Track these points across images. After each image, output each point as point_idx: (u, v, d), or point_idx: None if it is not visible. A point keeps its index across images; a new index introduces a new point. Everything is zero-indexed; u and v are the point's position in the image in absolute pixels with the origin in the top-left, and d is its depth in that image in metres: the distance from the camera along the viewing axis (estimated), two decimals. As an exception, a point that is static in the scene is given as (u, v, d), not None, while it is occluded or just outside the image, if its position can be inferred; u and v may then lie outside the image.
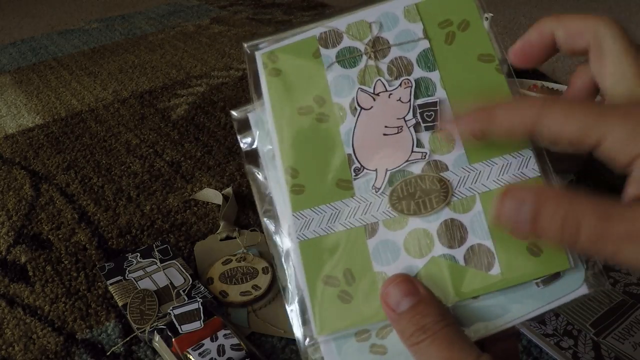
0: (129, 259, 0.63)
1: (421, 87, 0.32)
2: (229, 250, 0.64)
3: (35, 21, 1.67)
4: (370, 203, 0.31)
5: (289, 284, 0.32)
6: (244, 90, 1.07)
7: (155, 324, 0.54)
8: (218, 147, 0.88)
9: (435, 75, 0.32)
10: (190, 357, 0.50)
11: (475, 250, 0.29)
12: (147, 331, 0.53)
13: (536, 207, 0.23)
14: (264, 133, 0.35)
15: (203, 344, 0.51)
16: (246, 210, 0.72)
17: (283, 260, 0.32)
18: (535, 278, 0.28)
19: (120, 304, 0.58)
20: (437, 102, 0.31)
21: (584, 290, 0.28)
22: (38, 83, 1.19)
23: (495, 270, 0.29)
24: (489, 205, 0.29)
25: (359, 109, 0.32)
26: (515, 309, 0.29)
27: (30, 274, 0.65)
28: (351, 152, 0.32)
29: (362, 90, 0.33)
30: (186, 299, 0.56)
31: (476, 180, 0.30)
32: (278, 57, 0.34)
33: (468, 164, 0.30)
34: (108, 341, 0.56)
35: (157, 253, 0.64)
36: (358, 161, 0.32)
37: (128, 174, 0.83)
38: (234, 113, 0.36)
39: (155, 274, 0.60)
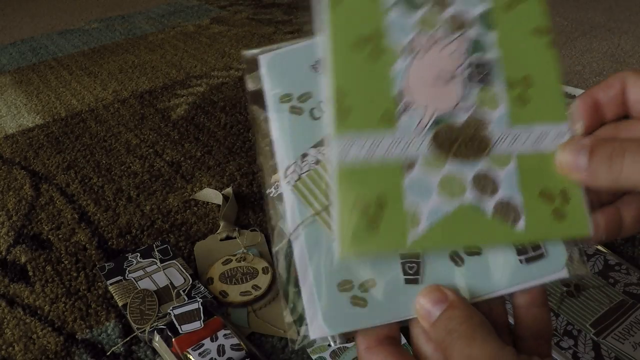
0: (129, 259, 0.63)
1: (477, 44, 0.33)
2: (229, 250, 0.64)
3: (35, 21, 1.67)
4: (412, 140, 0.32)
5: (280, 223, 0.33)
6: (244, 90, 1.07)
7: (155, 324, 0.54)
8: (218, 147, 0.88)
9: (492, 36, 0.33)
10: (190, 357, 0.50)
11: (504, 204, 0.31)
12: (147, 331, 0.53)
13: (591, 148, 0.28)
14: (275, 76, 0.35)
15: (203, 344, 0.51)
16: (246, 210, 0.72)
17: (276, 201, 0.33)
18: (556, 239, 0.31)
19: (120, 304, 0.58)
20: (490, 61, 0.33)
21: (564, 273, 0.30)
22: (38, 83, 1.19)
23: (520, 225, 0.30)
24: (524, 165, 0.31)
25: (415, 52, 0.33)
26: (497, 281, 0.30)
27: (30, 274, 0.65)
28: (402, 89, 0.33)
29: (421, 34, 0.33)
30: (186, 299, 0.56)
31: (514, 142, 0.32)
32: None
33: (509, 125, 0.32)
34: (108, 341, 0.56)
35: (157, 253, 0.64)
36: (408, 98, 0.33)
37: (128, 174, 0.83)
38: (246, 52, 0.36)
39: (155, 274, 0.60)
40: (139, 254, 0.64)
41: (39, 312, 0.60)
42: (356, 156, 0.32)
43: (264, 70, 0.36)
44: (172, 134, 0.93)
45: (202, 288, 0.58)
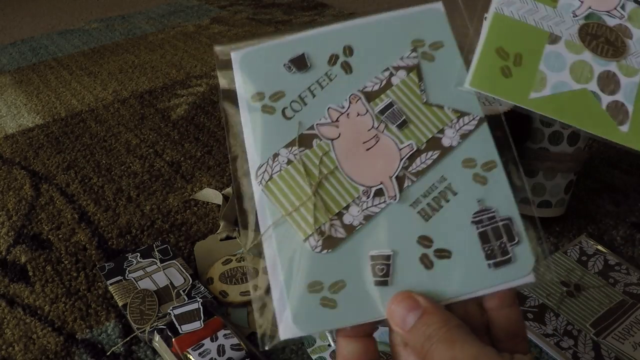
0: (129, 259, 0.63)
1: None
2: (229, 250, 0.64)
3: (35, 21, 1.67)
4: (564, 21, 0.36)
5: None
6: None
7: (155, 324, 0.54)
8: (218, 147, 0.88)
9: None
10: (190, 357, 0.50)
11: (618, 105, 0.35)
12: (147, 331, 0.53)
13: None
14: (247, 74, 0.35)
15: (203, 344, 0.51)
16: (246, 210, 0.72)
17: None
18: None
19: (120, 304, 0.58)
20: None
21: (530, 278, 0.30)
22: (38, 83, 1.19)
23: (624, 128, 0.35)
24: None
25: None
26: (465, 285, 0.31)
27: (30, 274, 0.65)
28: None
29: None
30: (186, 299, 0.56)
31: None
32: None
33: None
34: (108, 341, 0.56)
35: (157, 253, 0.64)
36: None
37: (128, 174, 0.83)
38: (217, 47, 0.36)
39: (155, 274, 0.60)
40: (139, 254, 0.64)
41: (39, 312, 0.60)
42: (512, 12, 0.36)
43: (236, 67, 0.36)
44: (172, 134, 0.93)
45: (202, 288, 0.58)
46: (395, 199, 0.32)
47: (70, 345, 0.56)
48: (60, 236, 0.71)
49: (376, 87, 0.35)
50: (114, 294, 0.59)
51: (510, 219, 0.32)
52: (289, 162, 0.34)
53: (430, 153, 0.33)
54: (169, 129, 0.95)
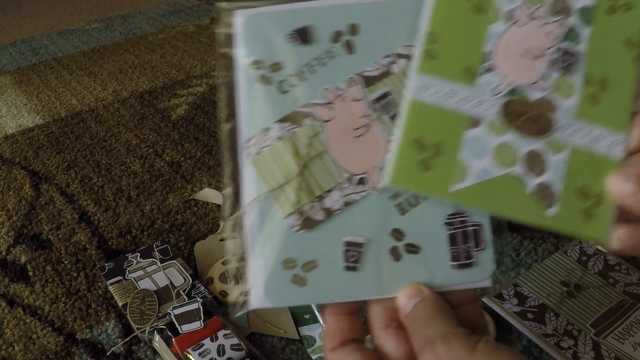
0: (129, 259, 0.63)
1: (570, 34, 0.34)
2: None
3: (35, 21, 1.67)
4: (485, 101, 0.33)
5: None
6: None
7: (155, 324, 0.54)
8: (218, 147, 0.88)
9: (586, 31, 0.35)
10: (190, 357, 0.50)
11: (545, 187, 0.33)
12: (147, 331, 0.53)
13: (636, 178, 0.30)
14: (249, 39, 0.34)
15: (203, 344, 0.51)
16: (246, 210, 0.73)
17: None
18: (575, 235, 0.33)
19: (120, 304, 0.58)
20: (577, 52, 0.34)
21: (487, 283, 0.32)
22: (38, 83, 1.19)
23: (552, 211, 0.32)
24: (574, 158, 0.33)
25: (513, 20, 0.34)
26: (427, 281, 0.32)
27: (30, 274, 0.65)
28: (490, 51, 0.34)
29: (524, 6, 0.35)
30: (186, 299, 0.56)
31: (574, 134, 0.33)
32: None
33: (574, 117, 0.34)
34: (108, 341, 0.56)
35: (157, 253, 0.64)
36: (492, 62, 0.34)
37: (128, 174, 0.83)
38: (222, 4, 0.35)
39: (155, 274, 0.60)
40: (139, 254, 0.64)
41: (39, 312, 0.60)
42: (430, 98, 0.33)
43: (238, 29, 0.35)
44: (172, 134, 0.93)
45: (202, 288, 0.58)
46: (376, 190, 0.33)
47: (70, 345, 0.56)
48: (60, 236, 0.71)
49: (375, 73, 0.34)
50: (114, 294, 0.59)
51: (480, 225, 0.33)
52: (280, 137, 0.34)
53: None
54: (169, 129, 0.95)
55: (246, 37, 0.35)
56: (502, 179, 0.33)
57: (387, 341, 0.32)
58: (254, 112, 0.34)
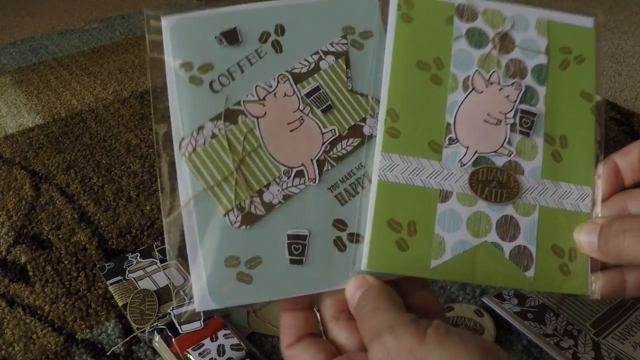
0: (129, 259, 0.63)
1: (527, 95, 0.35)
2: (229, 250, 0.64)
3: (35, 21, 1.67)
4: (452, 173, 0.34)
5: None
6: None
7: (155, 324, 0.54)
8: (218, 147, 0.88)
9: (542, 90, 0.35)
10: (190, 357, 0.50)
11: (521, 250, 0.33)
12: (147, 331, 0.53)
13: (600, 229, 0.32)
14: (177, 42, 0.35)
15: (203, 344, 0.51)
16: (246, 210, 0.73)
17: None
18: (557, 292, 0.33)
19: (120, 304, 0.58)
20: (536, 113, 0.35)
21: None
22: (38, 83, 1.19)
23: (530, 273, 0.33)
24: (544, 218, 0.33)
25: (470, 88, 0.35)
26: (371, 267, 0.33)
27: (30, 274, 0.65)
28: (452, 122, 0.34)
29: (479, 73, 0.35)
30: (186, 299, 0.56)
31: (541, 194, 0.34)
32: (414, 6, 0.36)
33: (540, 177, 0.34)
34: (108, 341, 0.56)
35: (157, 253, 0.64)
36: (455, 133, 0.34)
37: (128, 174, 0.83)
38: (148, 12, 0.35)
39: (155, 274, 0.60)
40: (139, 254, 0.64)
41: (39, 312, 0.60)
42: (397, 177, 0.33)
43: (166, 34, 0.35)
44: (172, 134, 0.93)
45: (202, 288, 0.58)
46: (314, 182, 0.33)
47: (70, 345, 0.56)
48: (60, 236, 0.71)
49: (304, 70, 0.35)
50: (114, 294, 0.59)
51: None
52: (214, 136, 0.34)
53: (351, 140, 0.34)
54: (169, 129, 0.95)
55: (174, 41, 0.35)
56: (479, 248, 0.33)
57: (339, 333, 0.32)
58: (186, 112, 0.34)
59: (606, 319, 0.53)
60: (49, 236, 0.71)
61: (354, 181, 0.34)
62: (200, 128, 0.34)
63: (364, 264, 0.32)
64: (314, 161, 0.34)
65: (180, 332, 0.52)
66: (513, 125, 0.34)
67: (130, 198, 0.77)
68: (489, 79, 0.35)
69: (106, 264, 0.63)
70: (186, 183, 0.33)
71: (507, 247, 0.33)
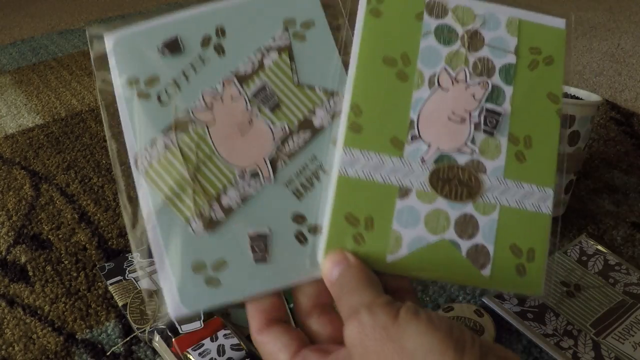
0: (129, 259, 0.63)
1: (493, 94, 0.35)
2: (229, 250, 0.64)
3: (35, 21, 1.67)
4: (413, 170, 0.34)
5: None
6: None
7: (155, 324, 0.54)
8: (218, 147, 0.88)
9: (509, 90, 0.35)
10: (190, 357, 0.50)
11: (478, 248, 0.33)
12: (147, 331, 0.53)
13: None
14: (122, 59, 0.35)
15: (203, 344, 0.51)
16: (246, 210, 0.73)
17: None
18: (511, 292, 0.34)
19: (120, 304, 0.58)
20: (501, 113, 0.35)
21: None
22: (38, 83, 1.19)
23: (486, 271, 0.33)
24: (504, 217, 0.33)
25: (436, 85, 0.35)
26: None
27: (30, 274, 0.65)
28: (415, 119, 0.34)
29: (447, 70, 0.35)
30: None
31: (503, 193, 0.34)
32: (384, 1, 0.35)
33: (502, 177, 0.34)
34: (108, 341, 0.56)
35: (157, 253, 0.64)
36: (418, 130, 0.34)
37: (128, 174, 0.83)
38: (90, 30, 0.36)
39: (155, 274, 0.60)
40: (139, 254, 0.64)
41: (39, 312, 0.60)
42: (357, 172, 0.33)
43: (109, 52, 0.36)
44: (172, 134, 0.93)
45: (202, 288, 0.58)
46: (270, 180, 0.34)
47: (70, 345, 0.56)
48: (60, 236, 0.71)
49: (249, 70, 0.35)
50: (114, 294, 0.59)
51: None
52: (167, 147, 0.34)
53: (302, 134, 0.34)
54: (169, 129, 0.95)
55: (118, 58, 0.35)
56: (436, 245, 0.33)
57: (311, 326, 0.33)
58: (137, 128, 0.35)
59: (606, 319, 0.53)
60: (49, 236, 0.71)
61: (309, 174, 0.34)
62: (153, 141, 0.34)
63: (321, 257, 0.33)
64: (267, 160, 0.34)
65: (180, 332, 0.52)
66: (477, 124, 0.34)
67: (130, 198, 0.77)
68: (456, 76, 0.35)
69: (106, 264, 0.63)
70: (146, 197, 0.35)
71: (465, 245, 0.33)
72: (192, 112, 0.34)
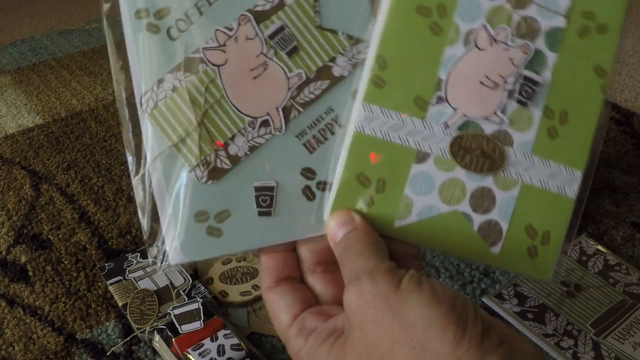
0: (129, 259, 0.63)
1: (535, 60, 0.31)
2: (229, 250, 0.64)
3: (35, 21, 1.67)
4: (434, 134, 0.31)
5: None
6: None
7: (155, 324, 0.54)
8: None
9: (552, 57, 0.31)
10: (190, 357, 0.50)
11: (492, 224, 0.31)
12: (147, 331, 0.53)
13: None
14: None
15: (203, 344, 0.51)
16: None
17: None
18: (520, 273, 0.32)
19: (120, 304, 0.58)
20: (540, 83, 0.31)
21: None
22: (38, 83, 1.19)
23: (496, 249, 0.31)
24: (524, 196, 0.31)
25: (472, 43, 0.31)
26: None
27: (30, 274, 0.65)
28: (444, 78, 0.31)
29: (486, 28, 0.31)
30: (186, 299, 0.56)
31: (527, 170, 0.31)
32: None
33: (530, 153, 0.31)
34: (108, 341, 0.56)
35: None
36: (445, 91, 0.31)
37: (128, 174, 0.83)
38: None
39: (155, 274, 0.60)
40: (139, 254, 0.64)
41: (39, 312, 0.60)
42: (374, 131, 0.31)
43: None
44: (172, 134, 0.93)
45: (202, 288, 0.58)
46: (281, 131, 0.32)
47: (70, 345, 0.56)
48: (60, 236, 0.71)
49: (268, 7, 0.32)
50: (114, 294, 0.59)
51: None
52: (174, 88, 0.32)
53: (319, 83, 0.32)
54: (169, 129, 0.95)
55: None
56: (447, 216, 0.31)
57: (314, 284, 0.32)
58: (145, 65, 0.32)
59: (606, 319, 0.53)
60: (49, 236, 0.71)
61: (323, 127, 0.32)
62: (161, 81, 0.32)
63: (327, 215, 0.31)
64: (280, 109, 0.32)
65: (180, 332, 0.52)
66: (511, 92, 0.31)
67: (131, 198, 0.77)
68: (496, 36, 0.31)
69: (106, 264, 0.63)
70: (151, 141, 0.32)
71: (478, 219, 0.31)
72: (204, 51, 0.32)
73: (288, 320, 0.31)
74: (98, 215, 0.74)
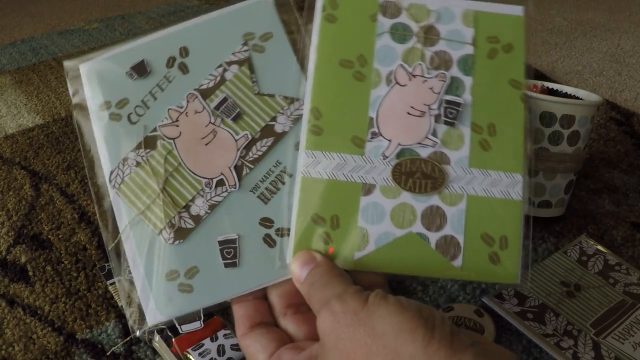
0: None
1: (452, 86, 0.35)
2: (229, 250, 0.64)
3: (35, 21, 1.67)
4: (375, 167, 0.34)
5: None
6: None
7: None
8: (218, 147, 0.88)
9: (468, 80, 0.35)
10: (190, 357, 0.50)
11: (448, 239, 0.33)
12: (147, 331, 0.53)
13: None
14: (94, 85, 0.38)
15: (203, 344, 0.51)
16: (246, 210, 0.72)
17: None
18: (486, 281, 0.34)
19: (120, 304, 0.57)
20: (461, 103, 0.35)
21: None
22: (38, 83, 1.19)
23: (458, 262, 0.33)
24: (472, 207, 0.33)
25: (393, 82, 0.35)
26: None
27: (30, 274, 0.65)
28: (374, 116, 0.35)
29: (403, 67, 0.35)
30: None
31: (469, 183, 0.34)
32: (339, 5, 0.36)
33: (467, 166, 0.34)
34: (108, 341, 0.56)
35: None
36: (377, 127, 0.35)
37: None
38: (66, 63, 0.39)
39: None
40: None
41: (39, 312, 0.60)
42: (320, 173, 0.34)
43: (84, 80, 0.38)
44: (172, 134, 0.93)
45: (202, 288, 0.58)
46: (235, 187, 0.35)
47: (70, 345, 0.56)
48: (60, 236, 0.71)
49: (211, 84, 0.37)
50: (114, 294, 0.59)
51: None
52: (138, 164, 0.36)
53: (265, 140, 0.36)
54: (169, 129, 0.95)
55: (91, 85, 0.38)
56: (404, 239, 0.33)
57: (287, 326, 0.34)
58: (111, 148, 0.37)
59: (606, 319, 0.53)
60: (49, 236, 0.71)
61: (274, 178, 0.36)
62: (125, 159, 0.36)
63: (289, 258, 0.33)
64: (232, 168, 0.36)
65: (180, 332, 0.52)
66: (438, 116, 0.35)
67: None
68: (412, 71, 0.35)
69: (106, 264, 0.63)
70: (121, 212, 0.36)
71: (433, 237, 0.33)
72: (160, 129, 0.36)
73: (265, 358, 0.32)
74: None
